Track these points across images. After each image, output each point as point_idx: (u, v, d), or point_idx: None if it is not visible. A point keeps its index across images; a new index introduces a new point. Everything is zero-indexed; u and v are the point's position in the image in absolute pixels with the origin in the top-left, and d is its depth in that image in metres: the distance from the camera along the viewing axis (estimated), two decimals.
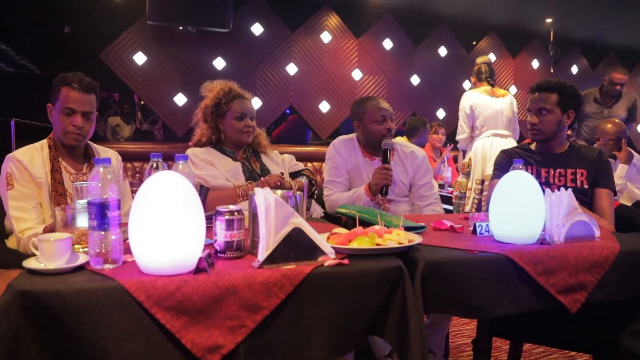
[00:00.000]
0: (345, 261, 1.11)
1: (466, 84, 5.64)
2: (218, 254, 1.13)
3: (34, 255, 1.02)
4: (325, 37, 5.09)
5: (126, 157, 3.60)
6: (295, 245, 1.09)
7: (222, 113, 1.95)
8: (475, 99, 3.57)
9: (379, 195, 1.95)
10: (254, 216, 1.15)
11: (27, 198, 1.60)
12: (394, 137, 2.23)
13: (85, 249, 1.07)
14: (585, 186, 1.89)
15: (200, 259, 1.00)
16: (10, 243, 1.66)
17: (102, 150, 1.85)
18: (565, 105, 1.90)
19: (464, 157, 3.82)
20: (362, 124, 2.13)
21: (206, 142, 2.00)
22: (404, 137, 4.29)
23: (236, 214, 1.13)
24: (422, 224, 1.50)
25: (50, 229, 1.45)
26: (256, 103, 4.75)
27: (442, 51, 5.68)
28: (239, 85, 2.03)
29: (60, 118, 1.67)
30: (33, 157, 1.67)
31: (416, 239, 1.23)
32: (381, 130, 2.07)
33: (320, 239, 1.13)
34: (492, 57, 5.66)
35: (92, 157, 1.78)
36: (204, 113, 1.99)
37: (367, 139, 2.14)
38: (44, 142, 1.73)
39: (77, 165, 1.75)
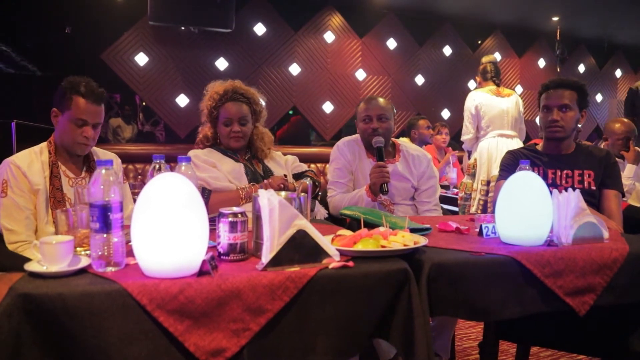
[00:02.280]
0: (350, 263, 1.10)
1: (471, 84, 5.62)
2: (221, 257, 1.12)
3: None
4: (329, 36, 5.08)
5: (128, 158, 3.62)
6: (299, 248, 1.07)
7: (214, 117, 1.96)
8: (481, 98, 3.55)
9: (380, 194, 1.94)
10: (257, 218, 1.14)
11: (19, 209, 1.58)
12: (398, 137, 2.21)
13: (88, 252, 1.06)
14: (593, 187, 1.87)
15: (204, 262, 0.99)
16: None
17: (101, 153, 1.83)
18: (582, 104, 1.90)
19: (469, 157, 3.80)
20: (357, 123, 2.17)
21: (203, 139, 2.00)
22: (407, 137, 4.28)
23: (239, 216, 1.12)
24: (428, 226, 1.48)
25: None
26: None
27: (447, 50, 5.66)
28: (246, 84, 2.01)
29: (70, 127, 1.64)
30: (32, 162, 1.64)
31: (422, 240, 1.22)
32: (366, 130, 2.08)
33: (325, 241, 1.12)
34: (497, 56, 5.64)
35: (91, 160, 1.77)
36: (204, 114, 2.01)
37: (362, 139, 2.15)
38: (44, 146, 1.71)
39: (76, 169, 1.74)
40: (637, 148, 2.93)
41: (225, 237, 1.11)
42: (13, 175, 1.60)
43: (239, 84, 1.99)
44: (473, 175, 3.56)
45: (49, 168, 1.65)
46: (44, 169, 1.65)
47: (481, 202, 3.44)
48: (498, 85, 3.64)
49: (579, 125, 2.01)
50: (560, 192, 1.36)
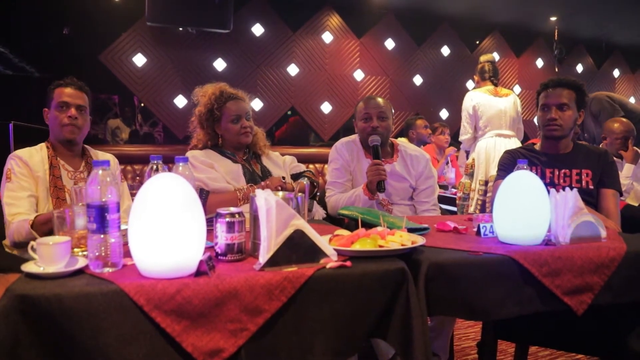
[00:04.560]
0: (348, 263, 1.10)
1: (470, 84, 5.62)
2: (219, 257, 1.12)
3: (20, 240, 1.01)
4: (327, 37, 5.08)
5: (126, 159, 3.61)
6: (296, 248, 1.07)
7: (216, 118, 1.95)
8: (478, 98, 3.55)
9: (378, 193, 1.94)
10: (255, 218, 1.14)
11: (22, 189, 1.68)
12: (396, 137, 2.21)
13: (85, 253, 1.06)
14: (591, 187, 1.87)
15: (201, 262, 0.99)
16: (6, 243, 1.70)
17: (100, 154, 1.92)
18: (580, 104, 1.90)
19: (467, 157, 3.80)
20: (355, 123, 2.17)
21: (202, 148, 1.99)
22: (405, 138, 4.28)
23: (237, 216, 1.12)
24: (426, 226, 1.48)
25: (44, 219, 1.54)
26: (257, 104, 4.75)
27: (445, 51, 5.66)
28: (231, 85, 2.02)
29: (55, 114, 1.77)
30: (32, 154, 1.76)
31: (419, 240, 1.22)
32: (366, 128, 2.07)
33: (322, 241, 1.12)
34: (495, 56, 5.64)
35: (88, 157, 1.86)
36: (199, 120, 1.99)
37: (361, 138, 2.15)
38: (43, 145, 1.81)
39: (74, 163, 1.83)
40: (635, 148, 2.93)
41: (222, 237, 1.11)
42: (17, 164, 1.72)
43: (226, 85, 2.00)
44: (471, 175, 3.57)
45: (48, 161, 1.76)
46: (44, 162, 1.75)
47: (479, 202, 3.45)
48: (496, 85, 3.64)
49: (577, 126, 2.01)
50: (558, 191, 1.36)
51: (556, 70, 6.04)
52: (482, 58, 3.73)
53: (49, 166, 1.75)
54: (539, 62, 6.19)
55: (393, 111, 2.19)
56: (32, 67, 4.00)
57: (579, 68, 6.47)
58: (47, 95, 1.80)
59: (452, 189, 4.02)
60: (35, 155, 1.75)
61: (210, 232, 1.14)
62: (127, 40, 4.30)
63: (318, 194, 2.06)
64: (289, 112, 5.03)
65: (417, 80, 5.53)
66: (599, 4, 4.97)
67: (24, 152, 1.75)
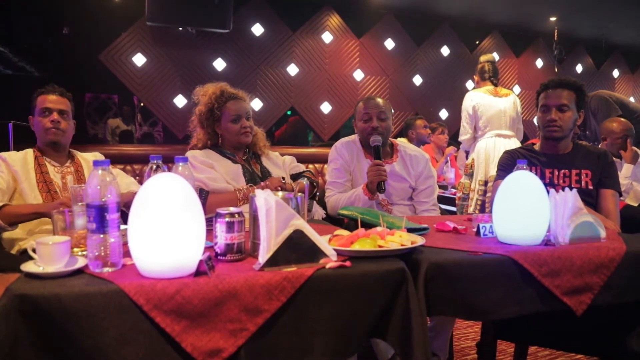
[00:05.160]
0: (347, 263, 1.10)
1: (469, 84, 5.62)
2: (218, 257, 1.12)
3: None
4: (327, 37, 5.08)
5: (126, 159, 3.61)
6: (296, 248, 1.07)
7: (216, 117, 1.95)
8: (478, 99, 3.55)
9: (377, 193, 1.94)
10: (254, 218, 1.14)
11: None
12: (396, 137, 2.21)
13: (84, 252, 1.06)
14: (590, 187, 1.87)
15: (201, 262, 0.99)
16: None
17: (83, 155, 1.98)
18: (580, 104, 1.90)
19: (466, 157, 3.80)
20: (355, 123, 2.17)
21: (202, 148, 1.99)
22: (405, 138, 4.28)
23: (236, 216, 1.12)
24: (425, 226, 1.48)
25: (14, 212, 1.60)
26: (257, 104, 4.75)
27: (445, 51, 5.67)
28: (231, 85, 2.02)
29: (39, 120, 1.85)
30: (13, 154, 1.84)
31: (419, 240, 1.22)
32: (366, 129, 2.07)
33: (322, 241, 1.12)
34: (495, 56, 5.64)
35: (74, 157, 1.94)
36: (199, 119, 1.99)
37: (361, 139, 2.15)
38: (29, 150, 1.89)
39: (60, 161, 1.90)
40: (634, 147, 2.94)
41: (222, 237, 1.11)
42: None
43: (226, 85, 2.00)
44: (471, 176, 3.56)
45: (34, 161, 1.82)
46: (27, 162, 1.82)
47: (479, 202, 3.44)
48: (496, 85, 3.64)
49: (577, 126, 2.01)
50: (557, 191, 1.36)
51: (556, 70, 6.04)
52: (482, 58, 3.73)
53: (35, 164, 1.82)
54: (539, 62, 6.20)
55: (393, 111, 2.19)
56: (32, 67, 3.99)
57: (579, 68, 6.47)
58: (31, 103, 1.87)
59: (452, 189, 4.02)
60: (17, 155, 1.83)
61: (210, 232, 1.14)
62: (127, 40, 4.30)
63: (318, 194, 2.06)
64: (289, 112, 5.03)
65: (417, 80, 5.54)
66: (599, 4, 4.97)
67: (5, 154, 1.84)
